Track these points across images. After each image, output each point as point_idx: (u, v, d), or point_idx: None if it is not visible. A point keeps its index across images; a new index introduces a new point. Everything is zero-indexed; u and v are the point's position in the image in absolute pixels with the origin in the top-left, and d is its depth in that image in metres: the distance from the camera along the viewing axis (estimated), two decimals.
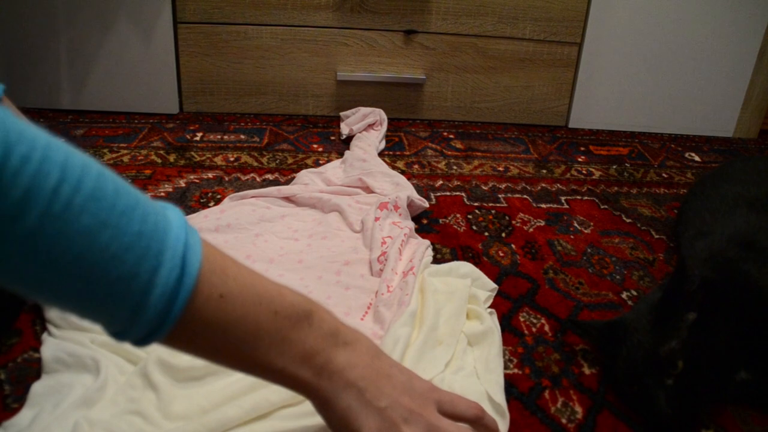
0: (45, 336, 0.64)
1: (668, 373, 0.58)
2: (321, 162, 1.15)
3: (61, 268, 0.32)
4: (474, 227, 0.96)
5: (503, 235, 0.95)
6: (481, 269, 0.81)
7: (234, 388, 0.58)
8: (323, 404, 0.45)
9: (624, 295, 0.82)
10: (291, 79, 1.34)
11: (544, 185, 1.13)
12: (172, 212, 0.38)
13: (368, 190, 1.00)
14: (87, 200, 0.32)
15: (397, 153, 1.22)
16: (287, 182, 1.06)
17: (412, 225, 0.90)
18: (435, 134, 1.33)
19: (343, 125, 1.28)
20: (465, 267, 0.80)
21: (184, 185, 1.03)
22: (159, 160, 1.12)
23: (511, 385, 0.65)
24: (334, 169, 1.08)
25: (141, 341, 0.36)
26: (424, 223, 0.96)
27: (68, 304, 0.34)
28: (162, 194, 1.00)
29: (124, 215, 0.34)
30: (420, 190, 1.05)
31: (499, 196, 1.07)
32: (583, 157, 1.28)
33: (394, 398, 0.45)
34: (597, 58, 1.38)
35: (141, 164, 1.10)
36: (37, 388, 0.58)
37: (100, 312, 0.35)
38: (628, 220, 1.02)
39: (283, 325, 0.42)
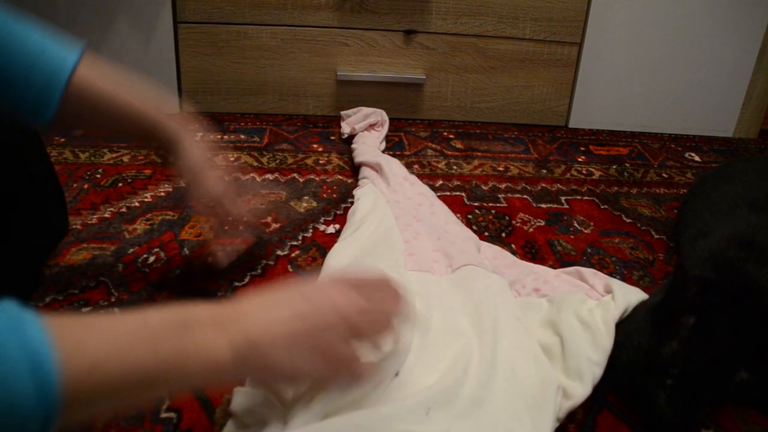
0: None
1: (668, 373, 0.58)
2: (321, 162, 1.15)
3: None
4: (474, 227, 0.96)
5: (503, 235, 0.95)
6: None
7: None
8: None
9: None
10: (291, 79, 1.34)
11: (544, 185, 1.13)
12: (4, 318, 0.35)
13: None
14: None
15: (397, 153, 1.22)
16: (287, 182, 1.06)
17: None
18: (435, 134, 1.33)
19: (344, 124, 1.28)
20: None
21: (184, 185, 1.03)
22: (159, 160, 1.12)
23: None
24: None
25: None
26: None
27: None
28: (162, 194, 1.00)
29: None
30: None
31: (499, 196, 1.07)
32: (583, 157, 1.28)
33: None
34: (597, 58, 1.38)
35: (141, 164, 1.10)
36: None
37: None
38: (628, 220, 1.02)
39: (169, 352, 0.41)
